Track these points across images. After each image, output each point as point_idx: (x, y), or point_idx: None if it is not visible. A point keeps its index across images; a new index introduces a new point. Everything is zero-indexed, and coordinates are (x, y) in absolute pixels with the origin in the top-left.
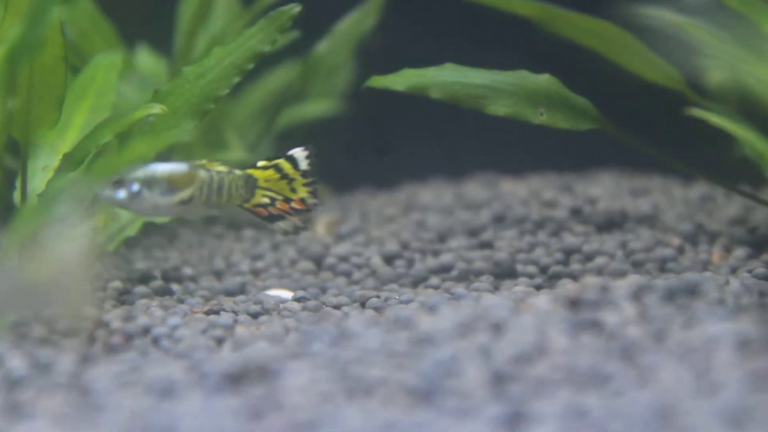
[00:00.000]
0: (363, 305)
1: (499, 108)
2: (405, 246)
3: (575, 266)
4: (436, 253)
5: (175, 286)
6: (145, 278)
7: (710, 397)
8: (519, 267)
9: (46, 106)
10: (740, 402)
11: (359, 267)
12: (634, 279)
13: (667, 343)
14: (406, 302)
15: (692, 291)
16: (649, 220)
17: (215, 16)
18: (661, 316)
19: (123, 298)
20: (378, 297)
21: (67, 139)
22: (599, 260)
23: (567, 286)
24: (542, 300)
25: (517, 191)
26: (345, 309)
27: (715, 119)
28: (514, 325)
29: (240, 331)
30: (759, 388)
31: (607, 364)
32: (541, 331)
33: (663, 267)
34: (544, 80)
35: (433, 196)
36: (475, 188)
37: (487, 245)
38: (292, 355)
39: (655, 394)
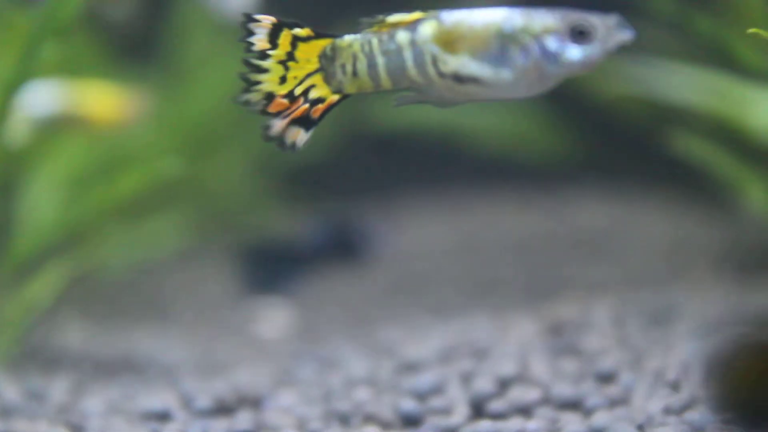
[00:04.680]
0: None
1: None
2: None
3: (562, 288)
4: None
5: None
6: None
7: (679, 414)
8: (508, 289)
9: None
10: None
11: None
12: (615, 300)
13: (644, 364)
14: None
15: (674, 312)
16: (635, 242)
17: (199, 38)
18: (642, 336)
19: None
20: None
21: (61, 164)
22: (586, 281)
23: (552, 309)
24: (526, 323)
25: (509, 218)
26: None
27: (688, 145)
28: (497, 348)
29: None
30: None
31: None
32: (522, 352)
33: (649, 287)
34: (526, 116)
35: (432, 230)
36: (469, 218)
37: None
38: (280, 383)
39: (630, 411)
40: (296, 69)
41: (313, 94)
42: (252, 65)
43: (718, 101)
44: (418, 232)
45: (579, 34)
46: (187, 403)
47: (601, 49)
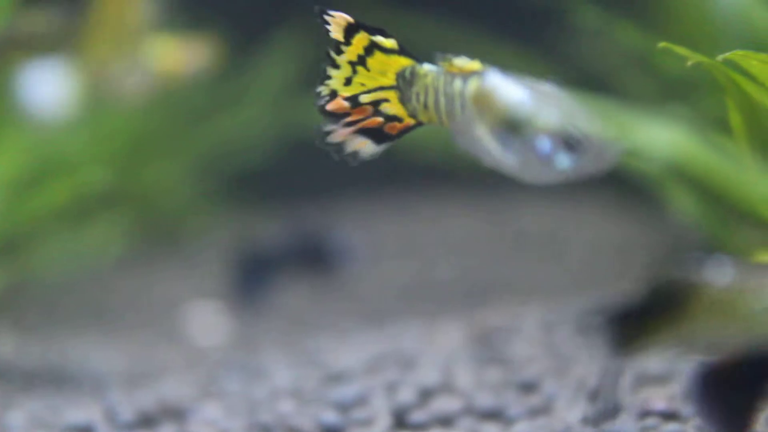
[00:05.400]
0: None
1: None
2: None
3: (504, 291)
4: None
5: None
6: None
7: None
8: (450, 293)
9: None
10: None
11: None
12: (547, 306)
13: (570, 371)
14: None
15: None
16: (577, 245)
17: None
18: (570, 343)
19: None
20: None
21: None
22: (528, 283)
23: (482, 315)
24: (456, 330)
25: (453, 222)
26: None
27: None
28: (424, 357)
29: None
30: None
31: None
32: (448, 361)
33: (589, 290)
34: None
35: (376, 234)
36: (414, 221)
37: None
38: (206, 393)
39: (550, 421)
40: (365, 77)
41: (388, 110)
42: (329, 58)
43: (608, 125)
44: (362, 236)
45: (571, 144)
46: (111, 416)
47: (590, 166)
